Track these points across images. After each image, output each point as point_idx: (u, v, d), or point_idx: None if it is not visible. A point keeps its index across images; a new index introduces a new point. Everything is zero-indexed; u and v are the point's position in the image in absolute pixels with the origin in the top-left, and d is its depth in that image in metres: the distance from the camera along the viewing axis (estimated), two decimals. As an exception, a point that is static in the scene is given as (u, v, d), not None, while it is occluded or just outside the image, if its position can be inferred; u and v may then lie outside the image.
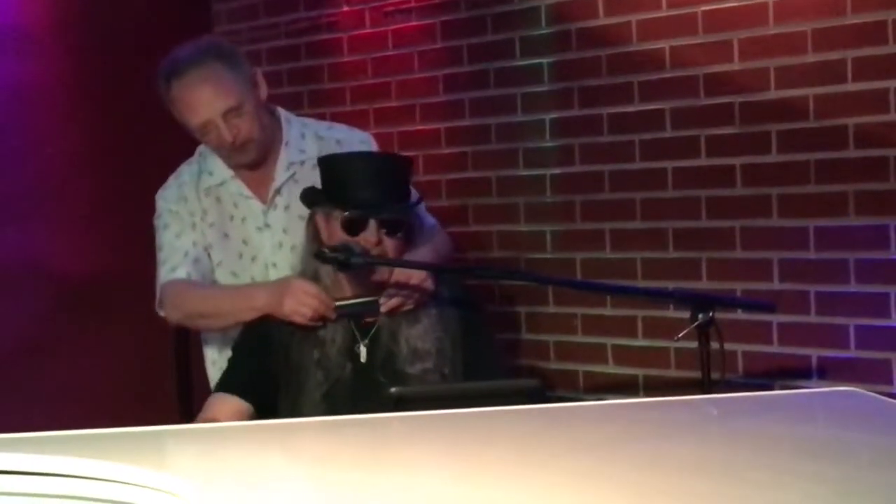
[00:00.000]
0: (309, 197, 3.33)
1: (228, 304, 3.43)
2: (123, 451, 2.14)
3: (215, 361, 3.64)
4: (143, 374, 4.60)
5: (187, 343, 3.86)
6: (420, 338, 3.26)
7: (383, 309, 3.27)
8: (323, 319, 3.27)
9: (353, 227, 3.24)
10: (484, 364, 3.31)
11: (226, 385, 3.33)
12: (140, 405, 4.30)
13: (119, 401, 4.54)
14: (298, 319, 3.26)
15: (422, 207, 3.54)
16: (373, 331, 3.29)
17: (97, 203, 4.78)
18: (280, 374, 3.28)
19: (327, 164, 3.34)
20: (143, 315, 3.73)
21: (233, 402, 3.26)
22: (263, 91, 3.53)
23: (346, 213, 3.24)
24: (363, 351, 3.28)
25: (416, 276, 3.27)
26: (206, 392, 3.69)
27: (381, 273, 3.27)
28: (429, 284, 3.29)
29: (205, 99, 3.42)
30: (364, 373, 3.25)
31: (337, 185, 3.29)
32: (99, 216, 4.78)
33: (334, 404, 3.21)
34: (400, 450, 2.23)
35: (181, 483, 1.93)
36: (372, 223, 3.24)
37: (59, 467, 2.05)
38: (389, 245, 3.26)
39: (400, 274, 3.27)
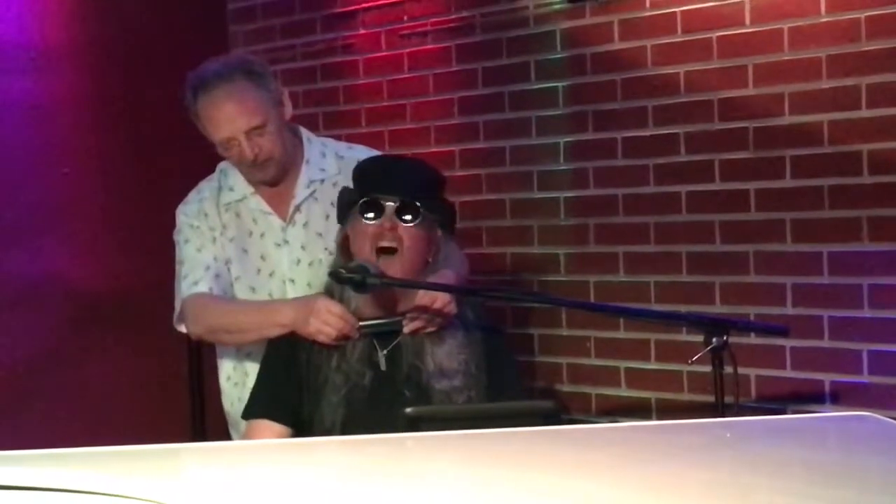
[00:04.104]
0: (342, 197, 3.37)
1: (253, 320, 3.44)
2: (137, 467, 2.15)
3: (230, 377, 3.65)
4: (158, 390, 4.62)
5: (201, 358, 3.87)
6: (446, 356, 3.28)
7: (406, 330, 3.28)
8: (347, 339, 3.28)
9: (369, 213, 3.27)
10: (507, 387, 3.32)
11: (261, 408, 3.32)
12: (154, 420, 4.33)
13: (133, 416, 4.55)
14: (322, 339, 3.27)
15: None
16: (393, 343, 3.30)
17: (114, 220, 4.80)
18: (302, 381, 3.29)
19: (358, 167, 3.40)
20: (159, 330, 3.75)
21: (273, 429, 3.26)
22: (288, 110, 3.55)
23: (363, 199, 3.28)
24: (382, 360, 3.29)
25: (441, 299, 3.29)
26: (219, 407, 3.71)
27: (393, 268, 3.27)
28: (452, 308, 3.30)
29: (229, 116, 3.45)
30: (384, 382, 3.27)
31: (361, 181, 3.34)
32: (116, 233, 4.79)
33: (352, 410, 3.23)
34: (414, 469, 2.23)
35: (192, 501, 1.94)
36: (388, 208, 3.27)
37: (74, 483, 2.06)
38: (404, 233, 3.27)
39: (424, 297, 3.28)
